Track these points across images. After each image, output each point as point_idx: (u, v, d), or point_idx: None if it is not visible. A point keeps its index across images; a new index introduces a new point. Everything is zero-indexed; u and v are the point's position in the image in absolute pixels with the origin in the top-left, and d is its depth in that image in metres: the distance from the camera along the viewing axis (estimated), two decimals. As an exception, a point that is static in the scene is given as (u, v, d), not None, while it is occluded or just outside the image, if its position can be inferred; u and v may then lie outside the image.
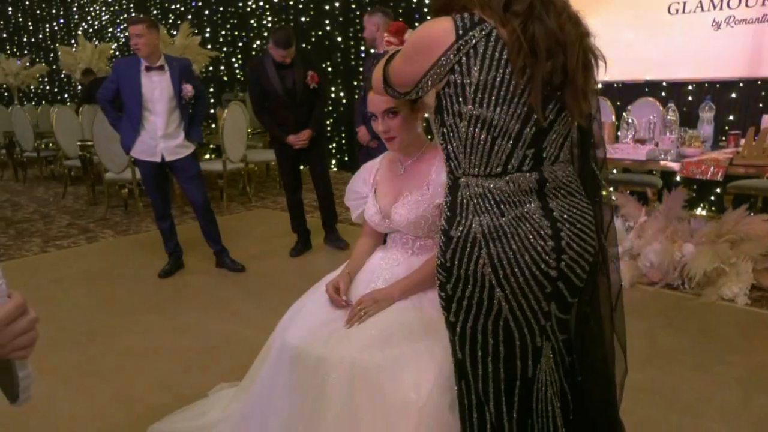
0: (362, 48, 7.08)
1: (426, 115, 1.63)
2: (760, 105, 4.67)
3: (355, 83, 7.04)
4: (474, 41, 1.13)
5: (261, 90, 3.87)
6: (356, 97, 4.16)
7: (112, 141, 4.58)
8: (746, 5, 4.67)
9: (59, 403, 2.34)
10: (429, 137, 1.75)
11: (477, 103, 1.15)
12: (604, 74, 1.21)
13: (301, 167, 4.18)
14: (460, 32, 1.13)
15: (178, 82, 3.51)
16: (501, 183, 1.20)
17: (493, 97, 1.14)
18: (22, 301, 0.71)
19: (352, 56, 7.09)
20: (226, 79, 8.71)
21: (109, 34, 10.52)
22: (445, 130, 1.22)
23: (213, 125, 7.13)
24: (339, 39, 7.25)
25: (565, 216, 1.24)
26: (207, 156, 7.53)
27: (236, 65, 8.63)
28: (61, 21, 11.41)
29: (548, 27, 1.11)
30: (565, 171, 1.27)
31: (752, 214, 3.28)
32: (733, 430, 2.03)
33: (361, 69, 7.00)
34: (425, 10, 6.37)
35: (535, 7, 1.12)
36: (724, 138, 4.11)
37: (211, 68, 8.40)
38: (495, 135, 1.17)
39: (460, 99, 1.17)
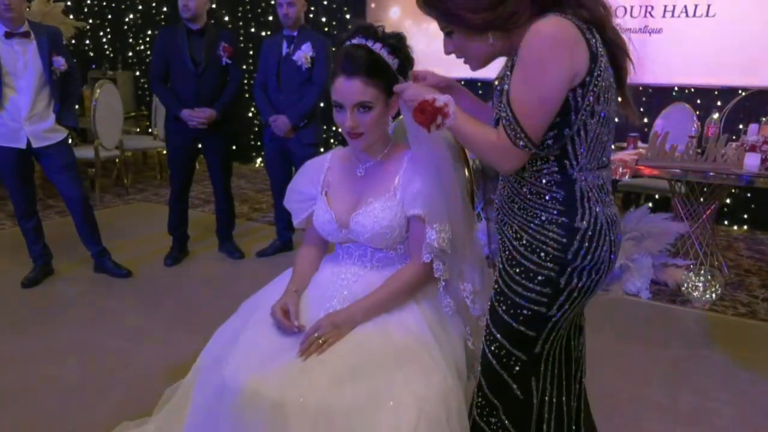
0: (252, 29, 6.61)
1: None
2: (642, 109, 5.04)
3: (245, 67, 6.56)
4: (595, 41, 1.12)
5: (164, 59, 3.37)
6: (253, 83, 3.74)
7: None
8: (631, 15, 4.99)
9: None
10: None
11: (605, 102, 1.16)
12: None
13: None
14: (584, 30, 1.12)
15: (48, 54, 2.93)
16: (607, 172, 1.26)
17: (609, 93, 1.17)
18: None
19: (241, 38, 6.60)
20: (92, 54, 7.73)
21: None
22: (567, 131, 1.16)
23: (77, 106, 6.26)
24: (226, 18, 6.71)
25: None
26: (70, 141, 6.61)
27: (104, 40, 7.69)
28: None
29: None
30: None
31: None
32: (668, 429, 2.07)
33: (251, 53, 6.55)
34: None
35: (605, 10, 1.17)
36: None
37: (74, 41, 7.40)
38: (609, 129, 1.22)
39: (594, 98, 1.14)
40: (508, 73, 1.18)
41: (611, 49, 1.16)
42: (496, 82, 1.29)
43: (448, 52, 1.26)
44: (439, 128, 1.18)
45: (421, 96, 1.17)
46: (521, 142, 1.13)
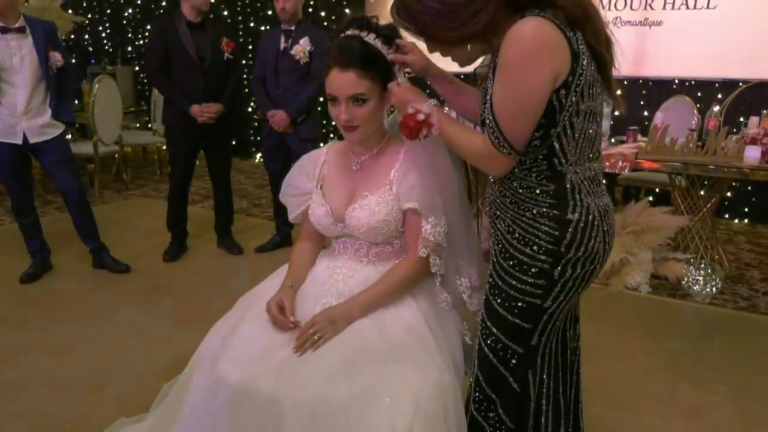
0: (251, 24, 6.58)
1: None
2: (641, 102, 5.02)
3: (244, 62, 6.54)
4: (576, 38, 1.09)
5: (165, 50, 3.30)
6: (251, 77, 3.71)
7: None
8: (631, 8, 4.96)
9: None
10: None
11: (589, 98, 1.14)
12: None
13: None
14: (565, 29, 1.08)
15: (44, 49, 2.92)
16: (597, 164, 1.26)
17: (593, 89, 1.15)
18: None
19: (240, 33, 6.58)
20: (91, 49, 7.72)
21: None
22: (553, 131, 1.15)
23: (76, 101, 6.24)
24: (225, 13, 6.68)
25: None
26: (69, 136, 6.59)
27: (103, 34, 7.67)
28: None
29: None
30: None
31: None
32: (667, 422, 2.06)
33: (250, 47, 6.52)
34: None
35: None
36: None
37: (73, 36, 7.38)
38: (597, 122, 1.21)
39: (578, 96, 1.12)
40: (491, 75, 1.17)
41: (592, 47, 1.13)
42: (478, 79, 1.30)
43: (431, 52, 1.27)
44: (426, 137, 1.23)
45: (405, 108, 1.23)
46: (505, 150, 1.14)
